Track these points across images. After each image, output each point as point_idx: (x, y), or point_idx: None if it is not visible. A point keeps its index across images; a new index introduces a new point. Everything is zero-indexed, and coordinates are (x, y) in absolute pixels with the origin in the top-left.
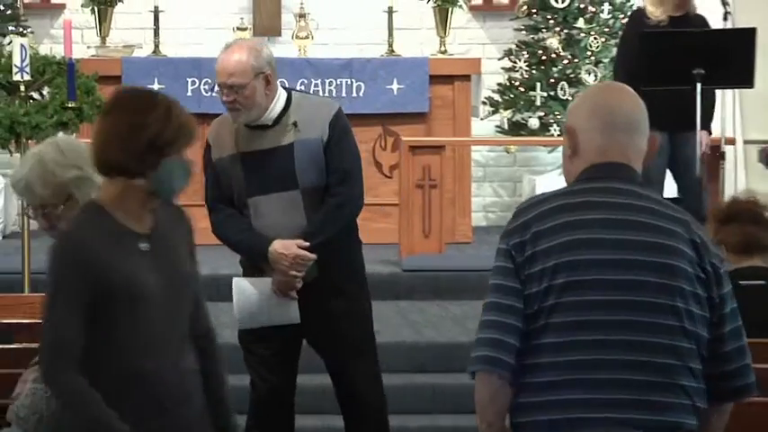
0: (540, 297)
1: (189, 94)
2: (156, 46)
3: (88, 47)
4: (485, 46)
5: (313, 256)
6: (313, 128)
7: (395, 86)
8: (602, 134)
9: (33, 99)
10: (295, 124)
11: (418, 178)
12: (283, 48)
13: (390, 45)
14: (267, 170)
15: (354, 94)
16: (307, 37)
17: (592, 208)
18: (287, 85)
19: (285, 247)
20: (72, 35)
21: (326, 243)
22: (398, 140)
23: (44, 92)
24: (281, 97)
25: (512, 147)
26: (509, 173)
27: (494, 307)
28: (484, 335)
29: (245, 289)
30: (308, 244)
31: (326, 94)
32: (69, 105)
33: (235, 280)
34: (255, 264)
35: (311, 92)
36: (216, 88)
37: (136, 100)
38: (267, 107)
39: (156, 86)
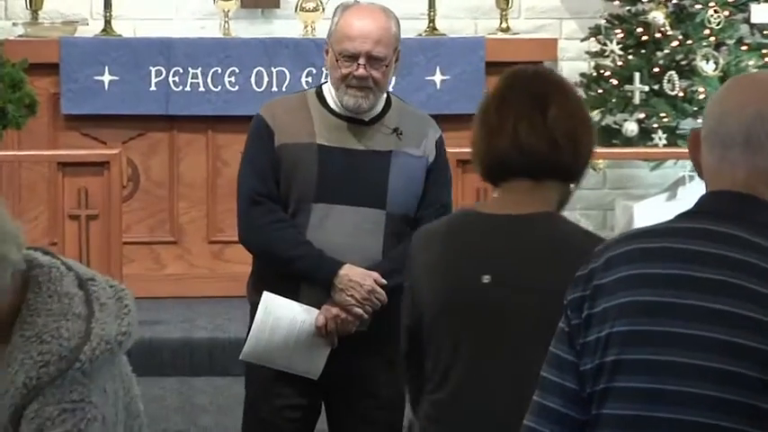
0: (592, 378)
1: (152, 88)
2: (108, 22)
3: (14, 23)
4: (563, 21)
5: (386, 297)
6: (417, 143)
7: (438, 78)
8: (711, 150)
9: None
10: (398, 131)
11: (470, 201)
12: (283, 25)
13: (432, 20)
14: (351, 175)
15: None
16: (316, 9)
17: (669, 258)
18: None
19: (360, 275)
20: None
21: (401, 290)
22: None
23: None
24: (384, 92)
25: (600, 161)
26: (597, 198)
27: (541, 384)
28: (525, 421)
29: (276, 311)
30: (384, 282)
31: None
32: None
33: (266, 295)
34: (288, 292)
35: (321, 81)
36: (337, 57)
37: None
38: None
39: (106, 78)
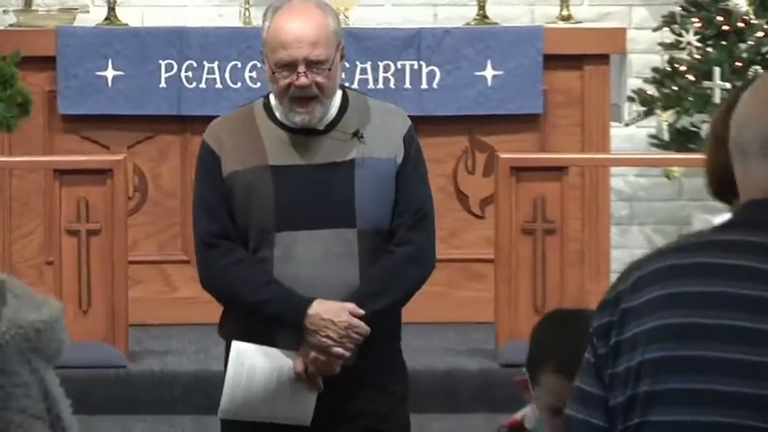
0: (623, 412)
1: (162, 85)
2: (111, 8)
3: (4, 11)
4: (632, 8)
5: (368, 329)
6: (382, 143)
7: (489, 73)
8: (735, 158)
9: None
10: (358, 134)
11: (526, 219)
12: None
13: (482, 7)
14: (312, 194)
15: (424, 86)
16: None
17: (704, 274)
18: None
19: (334, 311)
20: None
21: (384, 315)
22: (494, 159)
23: None
24: (337, 93)
25: (675, 169)
26: (671, 210)
27: (566, 423)
28: None
29: (249, 360)
30: (362, 312)
31: (380, 86)
32: None
33: (235, 344)
34: (262, 329)
35: (356, 78)
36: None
37: None
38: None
39: (109, 73)
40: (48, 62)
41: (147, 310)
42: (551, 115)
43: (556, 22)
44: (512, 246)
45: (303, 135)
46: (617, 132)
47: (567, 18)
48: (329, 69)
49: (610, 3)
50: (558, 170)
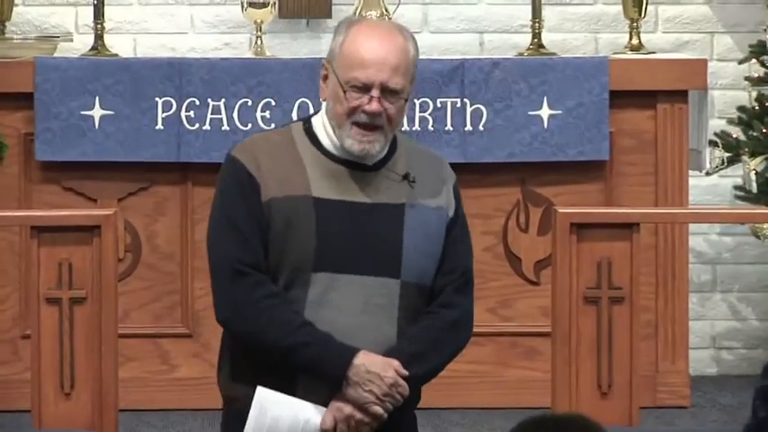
0: None
1: (159, 126)
2: (99, 36)
3: None
4: (714, 36)
5: (408, 391)
6: (432, 191)
7: (545, 112)
8: None
9: None
10: (409, 177)
11: (589, 285)
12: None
13: (537, 34)
14: (358, 235)
15: (469, 127)
16: (380, 19)
17: None
18: None
19: (380, 365)
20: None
21: (424, 380)
22: (551, 214)
23: None
24: None
25: (765, 226)
26: (761, 275)
27: None
28: None
29: (273, 408)
30: (406, 373)
31: (416, 127)
32: None
33: (260, 391)
34: (282, 379)
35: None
36: (350, 89)
37: None
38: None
39: (96, 113)
40: (24, 100)
41: (140, 393)
42: (619, 162)
43: (624, 53)
44: (572, 317)
45: (351, 168)
46: (696, 183)
47: (638, 48)
48: (405, 101)
49: (688, 29)
50: (626, 227)
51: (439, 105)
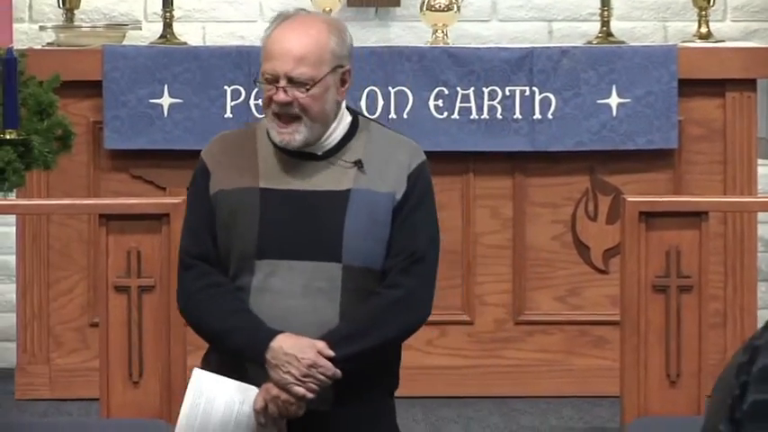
0: None
1: (228, 114)
2: (168, 25)
3: (41, 27)
4: None
5: (337, 372)
6: (384, 176)
7: (614, 101)
8: None
9: None
10: (359, 164)
11: (658, 273)
12: (404, 27)
13: (606, 22)
14: (300, 223)
15: (537, 116)
16: (448, 8)
17: None
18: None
19: (298, 347)
20: (12, 8)
21: (360, 360)
22: (620, 203)
23: None
24: (344, 118)
25: None
26: None
27: None
28: None
29: (208, 390)
30: (332, 353)
31: (485, 116)
32: (7, 137)
33: (196, 372)
34: (237, 364)
35: (456, 107)
36: (261, 81)
37: None
38: (329, 125)
39: (165, 101)
40: (93, 88)
41: None
42: (687, 151)
43: (693, 41)
44: (640, 305)
45: (300, 159)
46: (765, 171)
47: (706, 36)
48: (308, 89)
49: (757, 18)
50: (695, 216)
51: (507, 94)
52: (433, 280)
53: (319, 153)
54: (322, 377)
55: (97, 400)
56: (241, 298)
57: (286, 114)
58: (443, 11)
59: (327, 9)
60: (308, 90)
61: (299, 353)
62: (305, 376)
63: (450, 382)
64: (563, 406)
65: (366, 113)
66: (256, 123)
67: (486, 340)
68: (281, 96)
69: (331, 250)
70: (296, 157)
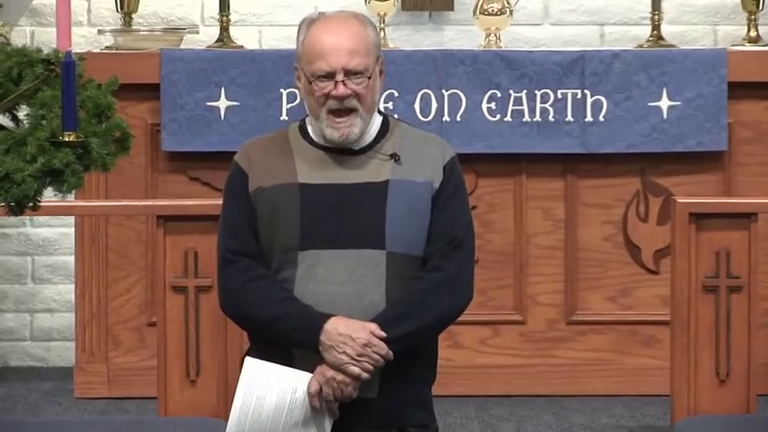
0: None
1: (284, 117)
2: (225, 28)
3: (100, 31)
4: None
5: (390, 352)
6: (420, 167)
7: (665, 103)
8: None
9: (2, 128)
10: (395, 157)
11: (708, 274)
12: (457, 31)
13: (657, 26)
14: (341, 214)
15: (589, 118)
16: (501, 11)
17: None
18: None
19: (352, 327)
20: (71, 12)
21: (409, 341)
22: (670, 204)
23: (20, 115)
24: (376, 116)
25: None
26: None
27: None
28: None
29: (261, 378)
30: (384, 334)
31: (537, 118)
32: (66, 139)
33: (248, 360)
34: (282, 356)
35: (509, 109)
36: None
37: None
38: (372, 117)
39: (222, 104)
40: (150, 91)
41: None
42: (737, 153)
43: (742, 45)
44: (691, 305)
45: (337, 154)
46: None
47: (756, 40)
48: (368, 79)
49: None
50: (745, 217)
51: (560, 96)
52: (472, 263)
53: (356, 148)
54: (376, 356)
55: (155, 398)
56: (286, 288)
57: (342, 109)
58: (496, 15)
59: (382, 13)
60: (368, 79)
61: (354, 333)
62: (360, 355)
63: (502, 381)
64: (614, 405)
65: (420, 116)
66: (287, 128)
67: (538, 340)
68: (341, 90)
69: (374, 238)
70: (333, 153)
